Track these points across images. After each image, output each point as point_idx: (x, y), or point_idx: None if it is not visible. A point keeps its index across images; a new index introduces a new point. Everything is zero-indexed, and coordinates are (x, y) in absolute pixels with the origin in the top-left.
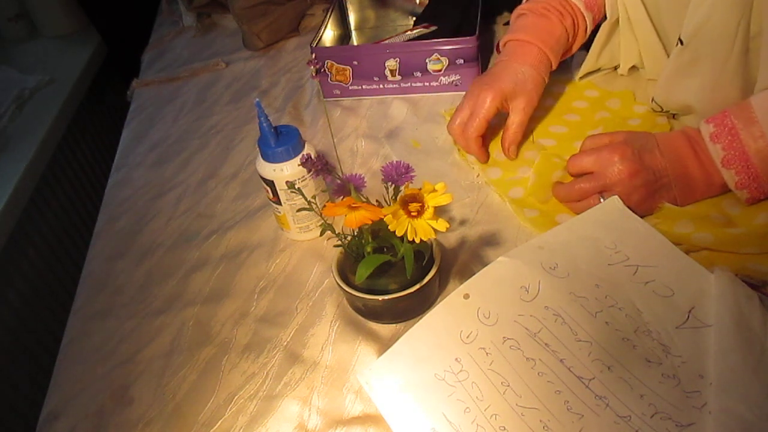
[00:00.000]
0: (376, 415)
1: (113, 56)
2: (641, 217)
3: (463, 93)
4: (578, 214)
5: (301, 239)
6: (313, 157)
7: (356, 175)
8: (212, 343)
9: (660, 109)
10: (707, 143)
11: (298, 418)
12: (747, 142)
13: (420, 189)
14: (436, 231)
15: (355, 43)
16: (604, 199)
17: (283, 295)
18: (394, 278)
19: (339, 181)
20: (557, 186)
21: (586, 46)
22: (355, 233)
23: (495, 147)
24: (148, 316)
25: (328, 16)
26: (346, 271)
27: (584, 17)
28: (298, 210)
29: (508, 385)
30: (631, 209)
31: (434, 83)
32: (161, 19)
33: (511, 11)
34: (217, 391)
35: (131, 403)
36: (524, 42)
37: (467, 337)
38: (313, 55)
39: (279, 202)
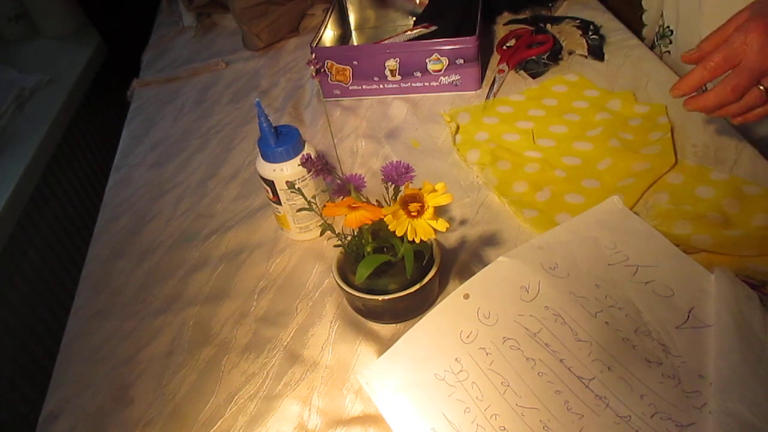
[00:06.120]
0: (376, 415)
1: (113, 56)
2: None
3: (463, 93)
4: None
5: (301, 239)
6: (313, 157)
7: (356, 175)
8: (212, 343)
9: None
10: None
11: (298, 418)
12: None
13: (420, 189)
14: (436, 231)
15: (355, 43)
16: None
17: (283, 295)
18: (394, 278)
19: (339, 181)
20: (694, 98)
21: None
22: (355, 233)
23: (497, 150)
24: (148, 316)
25: (328, 16)
26: (346, 271)
27: None
28: (298, 210)
29: (508, 385)
30: None
31: (434, 83)
32: (161, 19)
33: (511, 11)
34: (217, 391)
35: (131, 403)
36: None
37: (467, 337)
38: (313, 55)
39: (279, 202)
